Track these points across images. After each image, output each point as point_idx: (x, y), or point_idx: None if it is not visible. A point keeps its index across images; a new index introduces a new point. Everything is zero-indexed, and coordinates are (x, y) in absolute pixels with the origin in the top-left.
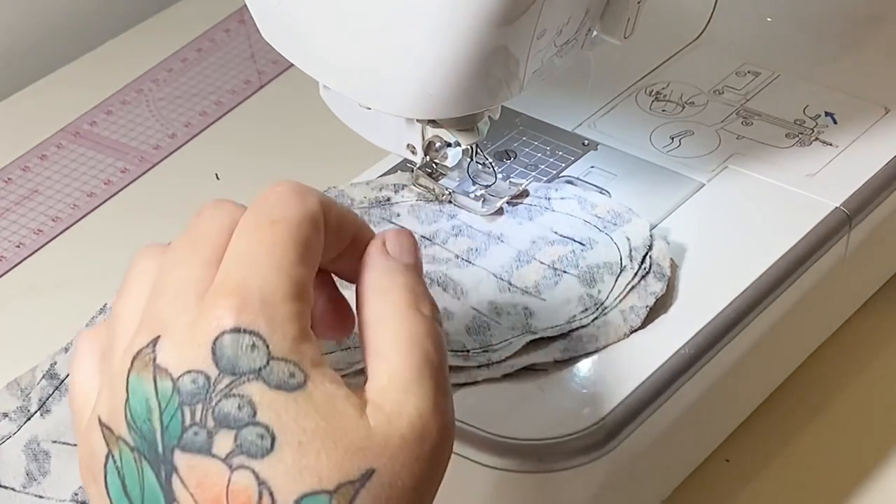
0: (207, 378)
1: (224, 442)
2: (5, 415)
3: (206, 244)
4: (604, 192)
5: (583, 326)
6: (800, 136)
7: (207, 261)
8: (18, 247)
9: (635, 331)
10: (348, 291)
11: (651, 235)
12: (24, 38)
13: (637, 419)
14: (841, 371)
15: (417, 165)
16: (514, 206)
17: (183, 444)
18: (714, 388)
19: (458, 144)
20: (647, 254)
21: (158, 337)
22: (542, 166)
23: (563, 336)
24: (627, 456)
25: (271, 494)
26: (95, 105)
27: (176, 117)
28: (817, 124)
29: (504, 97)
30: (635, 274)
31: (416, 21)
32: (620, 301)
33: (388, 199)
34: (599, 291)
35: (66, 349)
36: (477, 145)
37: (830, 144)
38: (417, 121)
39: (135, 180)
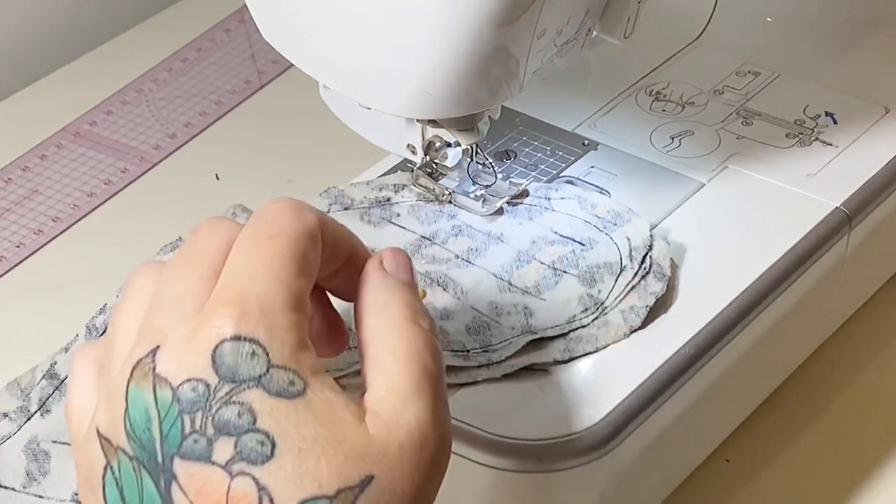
0: (207, 386)
1: (224, 449)
2: (5, 415)
3: (204, 260)
4: (604, 192)
5: (583, 326)
6: (800, 136)
7: (205, 276)
8: (18, 247)
9: (635, 331)
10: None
11: (651, 235)
12: (24, 38)
13: (637, 419)
14: (841, 371)
15: (417, 165)
16: (514, 206)
17: (182, 451)
18: (714, 388)
19: (458, 144)
20: (647, 254)
21: (158, 347)
22: (542, 166)
23: (563, 336)
24: (627, 456)
25: (271, 500)
26: (95, 105)
27: (176, 117)
28: (817, 124)
29: (504, 97)
30: (635, 274)
31: (416, 21)
32: (620, 301)
33: (388, 199)
34: (599, 291)
35: (66, 349)
36: (477, 145)
37: (830, 144)
38: (417, 121)
39: (135, 180)
